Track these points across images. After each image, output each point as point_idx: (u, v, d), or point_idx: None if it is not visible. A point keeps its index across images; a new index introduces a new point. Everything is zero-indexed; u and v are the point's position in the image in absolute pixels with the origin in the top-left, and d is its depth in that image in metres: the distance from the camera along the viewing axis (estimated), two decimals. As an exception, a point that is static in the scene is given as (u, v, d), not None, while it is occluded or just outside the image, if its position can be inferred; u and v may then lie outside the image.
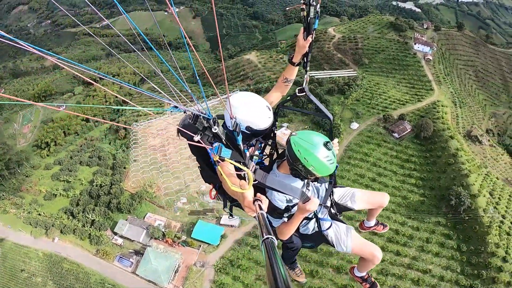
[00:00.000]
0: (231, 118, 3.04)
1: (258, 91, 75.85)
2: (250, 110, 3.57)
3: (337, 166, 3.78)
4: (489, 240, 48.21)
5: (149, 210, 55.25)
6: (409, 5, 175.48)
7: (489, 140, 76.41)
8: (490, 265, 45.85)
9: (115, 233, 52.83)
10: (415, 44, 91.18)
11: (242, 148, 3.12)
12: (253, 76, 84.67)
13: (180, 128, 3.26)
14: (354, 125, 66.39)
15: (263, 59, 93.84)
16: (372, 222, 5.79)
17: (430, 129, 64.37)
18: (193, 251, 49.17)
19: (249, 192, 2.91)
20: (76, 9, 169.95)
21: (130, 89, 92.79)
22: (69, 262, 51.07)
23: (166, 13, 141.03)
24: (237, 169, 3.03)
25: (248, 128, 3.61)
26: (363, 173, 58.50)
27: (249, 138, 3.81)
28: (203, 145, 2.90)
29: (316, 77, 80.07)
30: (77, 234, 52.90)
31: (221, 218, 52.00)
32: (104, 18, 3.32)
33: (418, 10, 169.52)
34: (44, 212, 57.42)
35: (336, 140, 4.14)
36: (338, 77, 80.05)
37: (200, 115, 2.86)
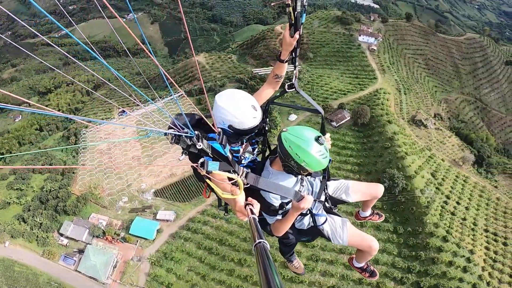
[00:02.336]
0: (215, 133, 3.13)
1: (202, 91, 78.15)
2: (233, 108, 3.48)
3: (330, 160, 3.78)
4: (427, 221, 48.94)
5: (93, 211, 56.92)
6: (367, 2, 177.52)
7: (435, 124, 78.91)
8: (429, 246, 46.31)
9: (61, 234, 54.71)
10: (360, 36, 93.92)
11: (230, 158, 3.13)
12: (201, 77, 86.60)
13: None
14: (292, 117, 68.60)
15: (211, 60, 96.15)
16: (368, 213, 5.87)
17: (367, 115, 66.00)
18: (131, 246, 51.27)
19: (241, 197, 2.94)
20: (36, 19, 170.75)
21: (82, 96, 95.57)
22: (20, 265, 52.29)
23: (124, 19, 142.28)
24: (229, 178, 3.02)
25: (230, 127, 3.55)
26: (296, 162, 59.54)
27: (235, 136, 3.73)
28: (189, 164, 2.91)
29: (260, 73, 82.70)
30: (26, 237, 54.60)
31: (157, 213, 54.41)
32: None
33: (376, 6, 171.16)
34: (-2, 220, 58.99)
35: (328, 135, 4.10)
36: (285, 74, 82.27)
37: (182, 135, 2.83)
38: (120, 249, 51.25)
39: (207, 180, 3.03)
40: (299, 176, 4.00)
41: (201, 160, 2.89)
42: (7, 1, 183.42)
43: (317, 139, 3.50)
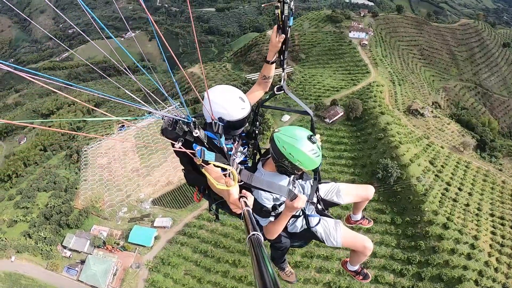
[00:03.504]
0: (212, 120, 3.10)
1: (197, 101, 79.61)
2: (221, 100, 3.56)
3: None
4: (426, 209, 48.04)
5: (95, 223, 58.31)
6: (362, 0, 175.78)
7: (432, 112, 78.43)
8: (429, 234, 45.31)
9: (65, 247, 56.27)
10: (350, 32, 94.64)
11: (225, 149, 3.13)
12: (196, 88, 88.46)
13: (163, 134, 3.05)
14: (285, 118, 68.99)
15: (205, 70, 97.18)
16: (358, 216, 5.87)
17: (359, 108, 65.97)
18: (130, 254, 52.50)
19: (235, 189, 2.92)
20: (38, 44, 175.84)
21: (83, 115, 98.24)
22: (26, 278, 53.58)
23: (122, 39, 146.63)
24: (222, 169, 2.97)
25: (220, 119, 3.58)
26: (289, 160, 58.58)
27: (227, 130, 3.71)
28: (185, 151, 2.84)
29: (253, 78, 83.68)
30: (31, 251, 56.22)
31: (154, 221, 55.78)
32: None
33: (371, 4, 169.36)
34: (6, 238, 60.84)
35: (318, 136, 4.03)
36: (274, 75, 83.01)
37: (179, 120, 2.85)
38: (120, 257, 52.45)
39: (203, 170, 2.94)
40: (291, 178, 4.06)
41: (198, 148, 2.87)
42: (8, 29, 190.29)
43: (309, 138, 3.56)
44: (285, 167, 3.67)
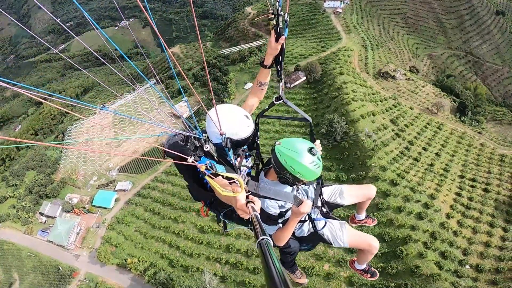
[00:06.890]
0: (221, 135, 3.14)
1: (171, 77, 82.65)
2: (228, 121, 3.44)
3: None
4: (372, 164, 46.79)
5: (69, 192, 63.22)
6: None
7: (405, 75, 77.88)
8: None
9: (42, 214, 61.11)
10: (324, 2, 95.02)
11: (234, 162, 3.27)
12: (175, 66, 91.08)
13: (169, 151, 3.14)
14: (248, 85, 70.54)
15: (185, 49, 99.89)
16: (362, 216, 5.93)
17: (317, 71, 66.27)
18: (93, 216, 57.41)
19: (241, 195, 2.92)
20: (37, 39, 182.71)
21: (71, 101, 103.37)
22: (7, 243, 59.34)
23: (116, 28, 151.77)
24: (228, 178, 2.95)
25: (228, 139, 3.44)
26: (245, 123, 58.85)
27: (233, 148, 3.60)
28: (197, 165, 2.86)
29: (226, 53, 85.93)
30: (12, 218, 61.54)
31: (116, 185, 60.26)
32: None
33: None
34: (-4, 213, 66.20)
35: (318, 142, 4.18)
36: (248, 48, 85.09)
37: (191, 136, 2.96)
38: (84, 219, 57.34)
39: (208, 178, 2.95)
40: (294, 186, 4.05)
41: (208, 161, 2.93)
42: (8, 27, 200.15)
43: (310, 150, 3.58)
44: (287, 178, 3.72)
